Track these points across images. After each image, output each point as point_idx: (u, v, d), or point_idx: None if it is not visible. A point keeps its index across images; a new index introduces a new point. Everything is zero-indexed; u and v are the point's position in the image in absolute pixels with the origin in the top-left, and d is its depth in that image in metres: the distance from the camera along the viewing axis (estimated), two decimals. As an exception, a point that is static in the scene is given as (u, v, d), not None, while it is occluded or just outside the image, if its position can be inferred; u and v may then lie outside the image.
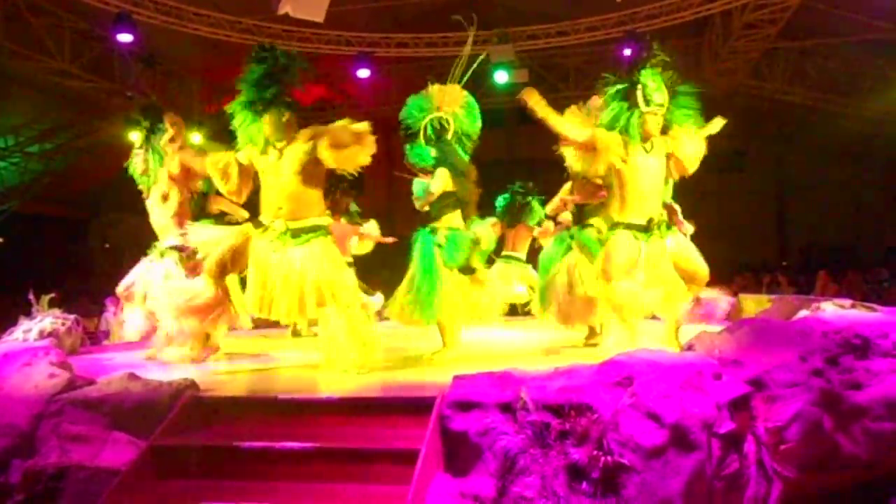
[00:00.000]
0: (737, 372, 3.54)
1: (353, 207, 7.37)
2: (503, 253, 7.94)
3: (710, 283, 5.04)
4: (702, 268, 4.86)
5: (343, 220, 7.67)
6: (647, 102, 4.61)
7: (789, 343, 3.72)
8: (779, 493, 3.25)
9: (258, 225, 4.77)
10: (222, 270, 4.76)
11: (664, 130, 4.75)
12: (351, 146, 4.62)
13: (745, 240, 15.87)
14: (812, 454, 3.29)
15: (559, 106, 5.35)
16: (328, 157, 4.62)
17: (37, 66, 11.35)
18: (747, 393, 3.40)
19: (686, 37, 12.84)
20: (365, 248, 7.04)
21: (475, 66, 5.74)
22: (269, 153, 4.73)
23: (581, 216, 5.74)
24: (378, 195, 14.51)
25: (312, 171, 4.72)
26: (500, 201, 7.56)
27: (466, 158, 5.43)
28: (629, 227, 4.70)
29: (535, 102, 4.66)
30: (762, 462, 3.29)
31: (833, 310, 5.02)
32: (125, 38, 10.18)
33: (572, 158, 5.23)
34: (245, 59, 4.78)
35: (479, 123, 5.56)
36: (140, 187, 5.88)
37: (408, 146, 5.43)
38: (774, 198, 16.76)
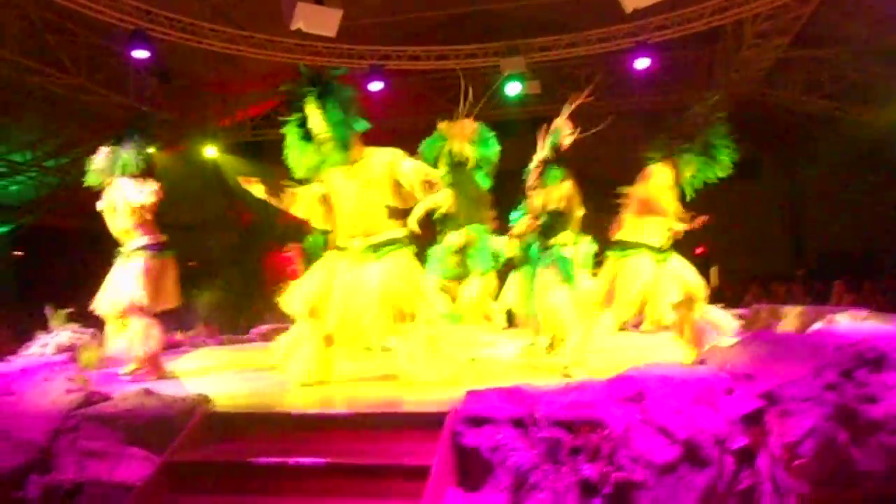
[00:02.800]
0: (749, 386, 3.52)
1: None
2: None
3: (724, 293, 5.16)
4: (698, 285, 5.01)
5: None
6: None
7: (802, 357, 3.70)
8: (793, 509, 3.23)
9: (339, 250, 4.79)
10: (313, 310, 4.70)
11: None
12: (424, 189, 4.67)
13: (760, 248, 15.76)
14: (826, 469, 3.27)
15: (572, 116, 5.58)
16: (416, 185, 4.62)
17: (53, 81, 11.49)
18: (760, 407, 3.39)
19: (698, 47, 12.83)
20: None
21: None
22: (337, 174, 4.73)
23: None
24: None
25: (384, 187, 4.73)
26: (516, 216, 7.52)
27: (487, 182, 6.02)
28: (649, 248, 4.93)
29: None
30: (776, 477, 3.27)
31: (847, 322, 5.00)
32: (141, 54, 10.29)
33: None
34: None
35: (495, 149, 6.08)
36: (94, 188, 5.91)
37: None
38: (790, 206, 16.64)
